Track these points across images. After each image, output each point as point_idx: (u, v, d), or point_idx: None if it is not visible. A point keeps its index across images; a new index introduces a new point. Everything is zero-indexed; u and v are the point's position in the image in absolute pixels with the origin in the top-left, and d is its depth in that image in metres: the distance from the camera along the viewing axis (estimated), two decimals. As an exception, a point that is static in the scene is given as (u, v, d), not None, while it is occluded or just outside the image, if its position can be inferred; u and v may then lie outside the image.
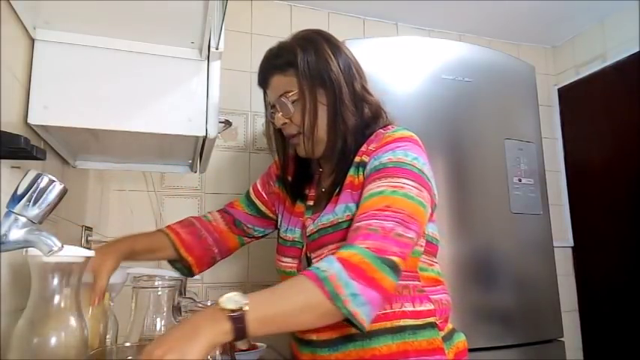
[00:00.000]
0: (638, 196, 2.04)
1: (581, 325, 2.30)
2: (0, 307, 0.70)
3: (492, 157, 1.64)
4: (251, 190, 1.13)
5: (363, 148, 0.90)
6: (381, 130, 0.91)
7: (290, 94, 0.91)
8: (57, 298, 0.64)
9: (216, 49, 0.95)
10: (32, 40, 0.87)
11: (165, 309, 0.90)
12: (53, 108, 0.87)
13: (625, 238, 2.10)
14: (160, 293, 0.91)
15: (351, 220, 0.84)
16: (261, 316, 0.67)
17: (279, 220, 1.07)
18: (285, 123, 0.93)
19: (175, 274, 1.05)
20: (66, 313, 0.64)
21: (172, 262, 1.07)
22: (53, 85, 0.87)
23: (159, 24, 0.88)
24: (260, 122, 2.00)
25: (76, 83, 0.89)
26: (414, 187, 0.81)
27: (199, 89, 0.97)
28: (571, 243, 2.37)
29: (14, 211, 0.58)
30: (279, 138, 1.01)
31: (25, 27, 0.83)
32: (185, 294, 1.11)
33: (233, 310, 0.65)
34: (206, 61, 0.98)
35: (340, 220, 0.87)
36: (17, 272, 0.76)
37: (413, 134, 0.90)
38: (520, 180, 1.67)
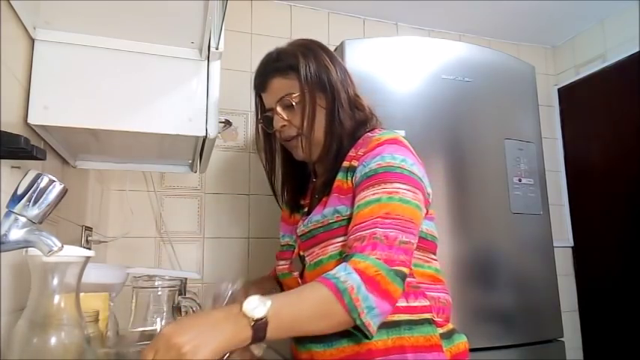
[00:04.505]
0: (638, 196, 2.04)
1: (581, 325, 2.30)
2: (0, 307, 0.70)
3: (492, 157, 1.64)
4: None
5: (351, 153, 0.92)
6: (368, 134, 0.93)
7: (292, 96, 0.93)
8: (57, 298, 0.64)
9: (216, 49, 0.95)
10: (32, 40, 0.87)
11: (165, 309, 0.90)
12: (53, 108, 0.87)
13: (625, 238, 2.10)
14: (159, 293, 0.91)
15: (340, 221, 0.87)
16: (281, 324, 0.69)
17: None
18: (285, 125, 0.95)
19: (175, 274, 1.05)
20: (66, 313, 0.64)
21: None
22: (53, 85, 0.87)
23: (159, 24, 0.88)
24: (260, 122, 2.00)
25: (76, 83, 0.89)
26: (408, 190, 0.83)
27: (199, 89, 0.98)
28: (571, 243, 2.37)
29: (14, 211, 0.58)
30: (267, 143, 1.04)
31: (25, 27, 0.83)
32: (185, 294, 1.11)
33: (256, 320, 0.66)
34: (206, 61, 0.98)
35: (330, 221, 0.89)
36: (17, 272, 0.76)
37: (397, 136, 0.91)
38: (520, 180, 1.67)
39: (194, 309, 0.94)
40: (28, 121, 0.85)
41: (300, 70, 0.93)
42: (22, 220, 0.58)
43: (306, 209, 1.01)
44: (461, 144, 1.61)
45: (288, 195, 1.06)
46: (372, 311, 0.73)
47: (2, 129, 0.67)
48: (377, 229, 0.78)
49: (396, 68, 1.58)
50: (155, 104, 0.94)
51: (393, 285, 0.75)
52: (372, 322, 0.74)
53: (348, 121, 0.94)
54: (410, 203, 0.82)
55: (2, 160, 0.71)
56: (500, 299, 1.57)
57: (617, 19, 2.23)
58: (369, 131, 0.94)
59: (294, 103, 0.93)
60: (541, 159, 1.74)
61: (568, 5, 2.16)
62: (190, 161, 1.31)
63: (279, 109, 0.95)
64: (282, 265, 1.01)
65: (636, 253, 2.03)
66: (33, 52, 0.87)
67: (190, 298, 0.96)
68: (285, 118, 0.95)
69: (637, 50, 2.07)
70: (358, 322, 0.73)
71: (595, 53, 2.34)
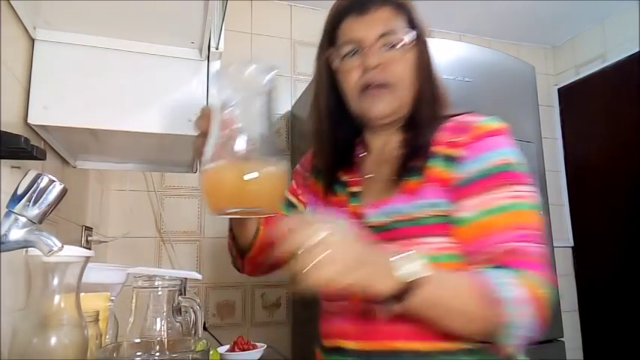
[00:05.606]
0: (638, 196, 2.04)
1: (581, 325, 2.30)
2: (0, 307, 0.70)
3: (492, 157, 1.64)
4: (287, 192, 0.97)
5: (444, 137, 0.76)
6: (467, 118, 0.79)
7: (399, 36, 0.78)
8: (57, 298, 0.64)
9: (216, 49, 0.95)
10: (32, 40, 0.87)
11: (165, 309, 0.90)
12: (53, 108, 0.87)
13: (625, 237, 2.10)
14: (159, 293, 0.91)
15: (436, 217, 0.72)
16: (427, 300, 0.61)
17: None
18: (377, 67, 0.78)
19: (175, 274, 1.04)
20: (66, 313, 0.64)
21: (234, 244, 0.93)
22: (53, 85, 0.87)
23: (159, 24, 0.88)
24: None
25: (76, 83, 0.89)
26: (535, 192, 0.73)
27: (199, 89, 0.98)
28: (571, 243, 2.37)
29: (14, 211, 0.58)
30: (327, 86, 0.84)
31: (25, 27, 0.83)
32: (185, 294, 1.10)
33: (408, 277, 0.59)
34: (206, 61, 0.98)
35: (422, 216, 0.73)
36: (17, 272, 0.76)
37: (506, 125, 0.79)
38: (520, 180, 1.67)
39: (194, 309, 0.93)
40: (28, 121, 0.85)
41: (412, 15, 0.81)
42: (22, 220, 0.58)
43: (355, 189, 0.83)
44: (461, 144, 1.61)
45: (324, 164, 0.87)
46: (522, 337, 0.66)
47: (2, 129, 0.67)
48: (527, 243, 0.68)
49: (396, 68, 1.58)
50: (155, 104, 0.94)
51: (548, 312, 0.67)
52: (513, 346, 0.67)
53: (441, 87, 0.82)
54: (539, 209, 0.73)
55: (2, 160, 0.71)
56: (501, 299, 1.57)
57: (617, 19, 2.24)
58: (464, 114, 0.80)
59: (396, 45, 0.78)
60: (541, 159, 1.74)
61: (568, 5, 2.16)
62: (190, 161, 1.31)
63: (380, 43, 0.78)
64: None
65: (636, 253, 2.03)
66: (33, 52, 0.87)
67: (190, 299, 0.96)
68: (383, 59, 0.77)
69: (637, 50, 2.07)
70: (503, 342, 0.66)
71: (595, 53, 2.34)
